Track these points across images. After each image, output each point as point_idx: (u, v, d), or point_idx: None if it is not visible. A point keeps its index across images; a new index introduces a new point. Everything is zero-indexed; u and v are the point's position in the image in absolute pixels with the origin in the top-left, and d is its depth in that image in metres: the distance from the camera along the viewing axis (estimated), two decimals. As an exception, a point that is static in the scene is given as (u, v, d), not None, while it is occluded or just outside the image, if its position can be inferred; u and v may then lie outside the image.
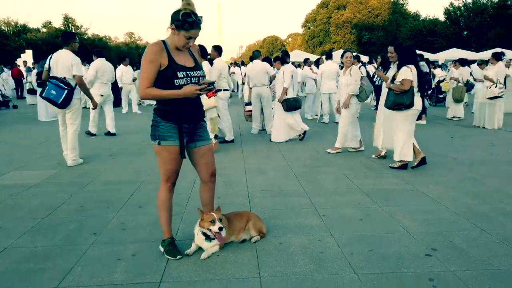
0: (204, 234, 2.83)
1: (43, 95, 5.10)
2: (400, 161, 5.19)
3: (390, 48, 5.59)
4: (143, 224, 3.45)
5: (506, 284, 2.40)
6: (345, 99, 6.06)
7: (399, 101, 4.96)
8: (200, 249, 2.90)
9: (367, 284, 2.42)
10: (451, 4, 44.70)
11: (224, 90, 6.92)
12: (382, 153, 5.79)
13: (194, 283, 2.49)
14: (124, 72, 12.06)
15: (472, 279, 2.46)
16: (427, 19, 52.43)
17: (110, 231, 3.31)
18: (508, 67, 11.31)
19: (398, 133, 5.13)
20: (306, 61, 10.99)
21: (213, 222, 2.75)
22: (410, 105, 4.94)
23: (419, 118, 9.33)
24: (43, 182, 4.79)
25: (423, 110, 9.49)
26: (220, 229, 2.73)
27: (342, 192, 4.30)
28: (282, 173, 5.13)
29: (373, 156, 5.90)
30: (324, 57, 11.69)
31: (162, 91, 2.61)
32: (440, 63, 23.51)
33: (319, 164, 5.59)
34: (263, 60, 8.04)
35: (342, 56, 6.25)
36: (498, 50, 23.77)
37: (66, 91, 5.06)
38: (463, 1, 43.58)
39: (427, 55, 20.07)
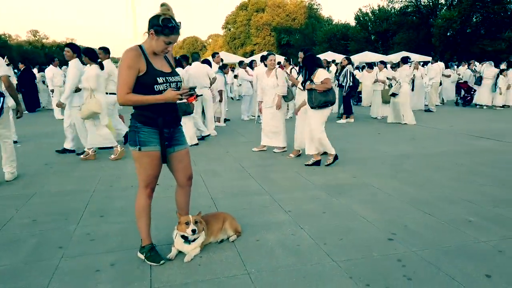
0: (183, 236, 2.86)
1: None
2: (317, 155, 5.62)
3: (300, 54, 5.91)
4: (111, 234, 3.35)
5: (460, 257, 2.80)
6: (277, 101, 6.32)
7: (326, 99, 5.37)
8: (180, 253, 2.91)
9: (347, 270, 2.66)
10: (360, 10, 48.36)
11: (111, 93, 6.75)
12: (300, 152, 6.20)
13: (186, 285, 2.52)
14: (55, 74, 11.19)
15: (432, 257, 2.82)
16: (339, 23, 56.03)
17: (78, 243, 3.17)
18: (417, 69, 12.63)
19: (317, 130, 5.47)
20: (241, 63, 11.20)
21: (187, 224, 2.80)
22: (334, 101, 5.45)
23: (347, 116, 10.09)
24: (-22, 197, 4.35)
25: (350, 109, 10.28)
26: (193, 231, 2.78)
27: (299, 188, 4.55)
28: (237, 174, 5.26)
29: (291, 155, 6.22)
30: (258, 59, 12.03)
31: (143, 97, 2.59)
32: (355, 65, 25.34)
33: (270, 164, 5.80)
34: (203, 62, 8.06)
35: (265, 59, 6.51)
36: (405, 54, 26.32)
37: (1, 98, 4.58)
38: (371, 8, 47.39)
39: (341, 57, 21.51)
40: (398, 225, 3.41)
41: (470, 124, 9.28)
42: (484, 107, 12.60)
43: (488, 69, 12.48)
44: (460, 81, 14.20)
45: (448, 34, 35.52)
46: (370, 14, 47.02)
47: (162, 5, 2.59)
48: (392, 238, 3.15)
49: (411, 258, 2.81)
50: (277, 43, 60.91)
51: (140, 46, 2.65)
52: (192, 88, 2.72)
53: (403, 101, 9.46)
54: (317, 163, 5.60)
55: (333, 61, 15.67)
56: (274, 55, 6.59)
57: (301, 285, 2.49)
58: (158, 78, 2.63)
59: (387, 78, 10.52)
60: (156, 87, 2.62)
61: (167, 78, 2.69)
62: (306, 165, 5.60)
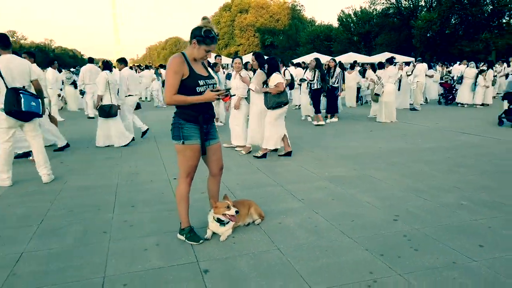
0: (219, 220, 3.26)
1: (23, 109, 4.55)
2: (264, 149, 6.23)
3: (252, 57, 6.44)
4: (145, 221, 3.72)
5: (456, 233, 3.29)
6: (236, 101, 6.75)
7: (280, 100, 5.93)
8: (215, 234, 3.32)
9: (363, 244, 3.12)
10: (343, 11, 49.32)
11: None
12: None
13: (227, 259, 2.93)
14: (59, 78, 11.42)
15: (432, 233, 3.30)
16: (322, 25, 56.95)
17: (119, 229, 3.53)
18: (401, 69, 13.26)
19: (271, 126, 6.10)
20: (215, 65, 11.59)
21: (228, 207, 3.22)
22: (287, 102, 6.06)
23: (332, 116, 10.55)
24: (6, 194, 4.65)
25: (336, 109, 10.72)
26: (237, 212, 3.21)
27: (305, 180, 4.99)
28: (246, 168, 5.67)
29: (243, 152, 6.68)
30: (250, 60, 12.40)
31: (187, 97, 2.99)
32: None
33: (274, 159, 6.23)
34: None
35: (232, 61, 6.93)
36: (388, 54, 27.13)
37: (39, 99, 4.85)
38: (353, 9, 48.39)
39: (326, 58, 22.14)
40: (400, 209, 3.89)
41: (454, 122, 9.91)
42: (465, 106, 13.33)
43: (469, 70, 13.21)
44: (442, 81, 14.92)
45: (428, 35, 36.65)
46: (352, 16, 48.01)
47: (204, 18, 3.00)
48: (397, 219, 3.63)
49: (414, 234, 3.28)
50: (261, 44, 61.44)
51: (182, 53, 3.05)
52: (227, 90, 3.13)
53: (386, 100, 10.03)
54: (264, 156, 6.25)
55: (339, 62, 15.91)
56: (241, 58, 6.96)
57: (325, 257, 2.92)
58: (199, 81, 3.03)
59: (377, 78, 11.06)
60: (198, 89, 3.03)
61: (206, 81, 3.09)
62: (255, 156, 6.26)
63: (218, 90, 3.08)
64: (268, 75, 6.10)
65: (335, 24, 51.65)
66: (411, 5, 41.74)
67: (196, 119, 3.07)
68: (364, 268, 2.75)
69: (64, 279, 2.69)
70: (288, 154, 6.34)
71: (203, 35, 2.96)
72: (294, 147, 6.82)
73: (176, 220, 3.67)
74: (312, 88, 9.68)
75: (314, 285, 2.54)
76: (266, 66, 6.23)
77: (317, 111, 9.87)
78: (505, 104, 9.22)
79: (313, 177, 5.12)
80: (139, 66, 24.60)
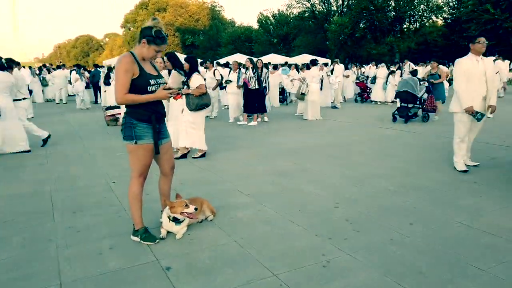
0: (174, 219, 3.29)
1: None
2: (200, 150, 6.26)
3: (165, 58, 6.39)
4: (92, 225, 3.60)
5: (389, 213, 3.69)
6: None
7: (203, 102, 5.86)
8: (169, 233, 3.34)
9: (312, 230, 3.37)
10: (261, 14, 50.67)
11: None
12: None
13: (188, 254, 2.99)
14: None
15: (370, 215, 3.67)
16: (241, 26, 57.90)
17: (65, 235, 3.38)
18: (322, 70, 14.07)
19: (196, 128, 6.07)
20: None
21: (187, 205, 3.26)
22: (209, 104, 6.05)
23: (262, 115, 10.86)
24: None
25: (265, 109, 11.03)
26: (196, 209, 3.27)
27: (251, 175, 5.16)
28: (190, 167, 5.68)
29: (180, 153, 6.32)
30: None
31: (140, 96, 2.99)
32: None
33: (217, 157, 6.32)
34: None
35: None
36: (307, 56, 28.51)
37: None
38: (272, 12, 49.96)
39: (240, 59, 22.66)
40: (340, 196, 4.24)
41: (371, 118, 10.83)
42: (378, 103, 14.59)
43: (381, 70, 14.49)
44: (358, 81, 16.15)
45: (340, 38, 39.19)
46: (271, 18, 49.53)
47: (154, 18, 3.02)
48: (337, 206, 3.96)
49: (354, 218, 3.63)
50: (182, 43, 60.63)
51: (131, 53, 3.03)
52: (179, 88, 3.18)
53: (311, 99, 10.64)
54: (185, 156, 6.24)
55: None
56: (163, 58, 6.60)
57: (279, 245, 3.12)
58: (150, 80, 3.04)
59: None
60: (149, 88, 3.03)
61: (157, 80, 3.11)
62: (193, 157, 6.21)
63: (169, 89, 3.11)
64: (188, 75, 5.95)
65: (255, 25, 52.89)
66: (325, 10, 44.26)
67: (149, 118, 3.07)
68: (317, 251, 3.00)
69: (25, 285, 2.54)
70: (185, 156, 6.26)
71: (153, 35, 2.98)
72: (234, 145, 6.97)
73: (126, 222, 3.64)
74: (251, 88, 9.69)
75: (276, 270, 2.72)
76: (187, 65, 6.02)
77: (249, 110, 9.97)
78: (398, 102, 10.20)
79: (258, 172, 5.32)
80: (45, 66, 22.83)
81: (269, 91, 11.32)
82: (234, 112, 10.56)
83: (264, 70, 10.66)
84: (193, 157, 6.21)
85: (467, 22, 30.99)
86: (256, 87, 9.72)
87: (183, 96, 5.60)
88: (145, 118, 3.06)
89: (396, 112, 9.89)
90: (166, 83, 3.26)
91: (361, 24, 40.26)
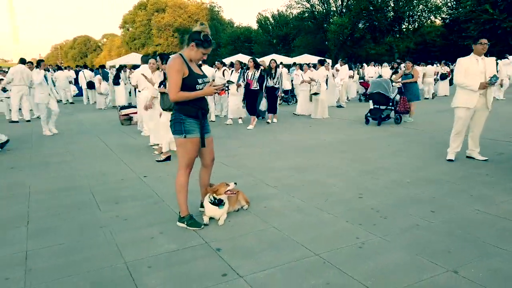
0: (219, 200, 3.56)
1: None
2: (165, 153, 6.18)
3: (153, 60, 6.58)
4: (137, 214, 3.88)
5: (410, 203, 3.99)
6: (148, 101, 6.79)
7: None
8: (211, 219, 3.63)
9: (343, 217, 3.66)
10: (260, 14, 50.99)
11: None
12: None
13: (233, 239, 3.27)
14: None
15: (393, 204, 3.96)
16: (241, 26, 58.18)
17: (114, 223, 3.66)
18: (328, 70, 14.38)
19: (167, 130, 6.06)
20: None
21: (227, 184, 3.59)
22: None
23: (273, 116, 11.08)
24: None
25: (276, 109, 11.23)
26: (235, 183, 3.64)
27: (271, 170, 5.45)
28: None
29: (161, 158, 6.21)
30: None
31: (190, 93, 3.28)
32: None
33: (235, 153, 6.60)
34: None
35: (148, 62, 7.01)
36: (308, 56, 28.80)
37: None
38: (271, 12, 50.29)
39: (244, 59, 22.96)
40: (361, 188, 4.53)
41: (377, 116, 11.13)
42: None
43: (384, 69, 14.81)
44: (362, 80, 16.46)
45: (340, 38, 39.58)
46: (271, 19, 49.86)
47: (201, 24, 3.30)
48: (361, 196, 4.25)
49: (379, 206, 3.92)
50: (181, 44, 60.82)
51: (181, 55, 3.32)
52: (224, 84, 3.47)
53: (321, 98, 10.95)
54: (168, 158, 6.15)
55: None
56: (156, 59, 6.85)
57: (315, 230, 3.41)
58: (198, 79, 3.33)
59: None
60: (197, 86, 3.32)
61: (203, 79, 3.40)
62: (157, 161, 6.10)
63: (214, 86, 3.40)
64: (165, 75, 5.92)
65: (254, 26, 53.20)
66: (324, 10, 44.61)
67: (196, 114, 3.36)
68: (351, 235, 3.29)
69: (85, 269, 2.82)
70: (168, 158, 6.17)
71: (202, 39, 3.27)
72: (247, 143, 7.24)
73: (166, 211, 3.93)
74: (252, 89, 9.53)
75: (317, 251, 3.01)
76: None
77: (252, 113, 9.71)
78: (371, 104, 9.84)
79: (276, 168, 5.61)
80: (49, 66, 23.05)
81: (281, 91, 11.31)
82: (232, 114, 10.16)
83: (278, 70, 10.67)
84: (157, 160, 6.14)
85: (465, 22, 31.41)
86: (257, 88, 9.51)
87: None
88: (193, 114, 3.35)
89: (368, 114, 9.61)
90: (210, 82, 3.55)
91: (360, 25, 40.65)
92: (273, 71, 10.30)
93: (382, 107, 9.46)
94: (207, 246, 3.15)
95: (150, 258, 2.96)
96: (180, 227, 3.52)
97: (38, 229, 3.56)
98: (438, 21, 41.12)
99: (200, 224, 3.50)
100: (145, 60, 8.46)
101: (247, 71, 9.81)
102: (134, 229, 3.52)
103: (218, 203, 3.59)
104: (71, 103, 17.93)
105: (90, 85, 17.12)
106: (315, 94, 10.85)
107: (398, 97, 9.47)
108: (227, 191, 3.58)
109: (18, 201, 4.36)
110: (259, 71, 9.66)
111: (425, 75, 16.32)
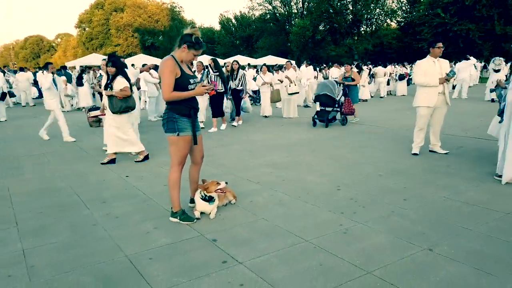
0: (209, 198, 3.73)
1: None
2: (139, 153, 6.23)
3: (105, 61, 6.46)
4: (127, 212, 3.97)
5: (384, 193, 4.33)
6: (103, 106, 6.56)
7: (127, 104, 5.86)
8: (202, 214, 3.79)
9: (324, 208, 3.94)
10: (222, 15, 51.11)
11: None
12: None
13: (226, 230, 3.45)
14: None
15: (369, 195, 4.29)
16: (203, 27, 57.94)
17: (107, 221, 3.74)
18: (295, 71, 14.79)
19: (128, 131, 6.03)
20: (143, 66, 11.62)
21: (218, 183, 3.76)
22: (134, 107, 6.03)
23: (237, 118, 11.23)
24: None
25: (239, 111, 11.27)
26: (226, 182, 3.83)
27: (250, 168, 5.65)
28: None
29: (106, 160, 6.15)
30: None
31: (182, 93, 3.43)
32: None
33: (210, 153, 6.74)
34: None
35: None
36: (271, 57, 29.26)
37: None
38: (234, 13, 50.53)
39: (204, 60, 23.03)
40: (338, 182, 4.84)
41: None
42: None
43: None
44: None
45: (302, 40, 40.46)
46: (233, 20, 50.09)
47: (193, 26, 3.47)
48: (340, 189, 4.56)
49: (357, 197, 4.23)
50: (141, 44, 59.73)
51: (172, 56, 3.46)
52: (213, 85, 3.64)
53: (294, 98, 11.33)
54: (113, 161, 6.11)
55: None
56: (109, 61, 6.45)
57: (302, 220, 3.65)
58: (190, 80, 3.49)
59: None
60: (189, 86, 3.48)
61: (194, 79, 3.56)
62: (102, 163, 6.05)
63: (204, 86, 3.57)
64: (113, 77, 5.90)
65: (217, 27, 53.20)
66: (286, 12, 45.42)
67: (188, 113, 3.52)
68: (335, 222, 3.56)
69: (87, 263, 2.91)
70: (113, 161, 6.12)
71: (193, 41, 3.43)
72: (222, 143, 7.40)
73: (156, 208, 4.05)
74: (217, 90, 8.86)
75: (307, 237, 3.25)
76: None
77: (216, 114, 9.28)
78: (317, 106, 9.68)
79: (254, 165, 5.82)
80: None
81: (247, 94, 11.44)
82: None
83: (241, 71, 10.45)
84: (135, 161, 6.19)
85: (419, 26, 33.09)
86: (221, 90, 9.00)
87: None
88: (185, 112, 3.50)
89: (315, 116, 9.47)
90: (200, 82, 3.72)
91: (321, 27, 41.74)
92: (235, 73, 10.00)
93: (329, 109, 9.37)
94: (203, 237, 3.31)
95: (149, 251, 3.09)
96: (173, 222, 3.66)
97: (29, 229, 3.58)
98: (394, 24, 42.99)
99: (193, 218, 3.66)
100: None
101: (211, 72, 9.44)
102: (128, 225, 3.62)
103: (209, 199, 3.76)
104: (33, 105, 17.28)
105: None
106: (295, 93, 11.17)
107: (343, 98, 9.50)
108: (218, 189, 3.75)
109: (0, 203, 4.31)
110: (215, 72, 9.05)
111: (376, 75, 17.32)
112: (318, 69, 20.45)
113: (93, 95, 14.97)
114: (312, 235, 3.29)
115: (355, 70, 11.18)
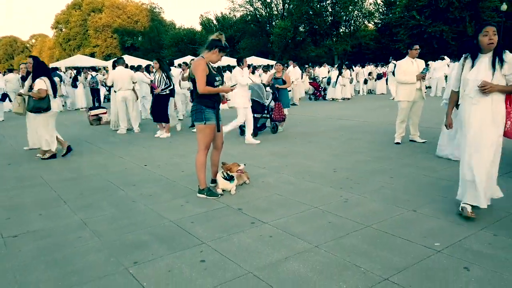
0: (230, 177, 4.43)
1: None
2: (49, 151, 6.58)
3: (29, 59, 6.61)
4: (158, 192, 4.61)
5: (376, 174, 5.11)
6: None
7: (38, 105, 6.18)
8: (223, 191, 4.48)
9: (325, 184, 4.68)
10: (203, 16, 51.59)
11: None
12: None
13: (247, 202, 4.15)
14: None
15: (362, 175, 5.07)
16: (182, 28, 58.20)
17: (143, 199, 4.38)
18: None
19: (42, 130, 6.41)
20: (139, 67, 12.15)
21: (238, 165, 4.46)
22: (48, 108, 6.27)
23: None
24: (-7, 189, 4.86)
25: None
26: (245, 164, 4.52)
27: (255, 157, 6.36)
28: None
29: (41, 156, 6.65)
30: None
31: (213, 88, 4.13)
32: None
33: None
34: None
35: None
36: (254, 58, 29.91)
37: None
38: (215, 15, 51.06)
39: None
40: (334, 165, 5.60)
41: (328, 111, 12.48)
42: (329, 100, 16.42)
43: (333, 72, 16.33)
44: (311, 81, 17.89)
45: (283, 41, 41.39)
46: (214, 21, 50.61)
47: (221, 33, 4.17)
48: (336, 171, 5.32)
49: (352, 177, 5.00)
50: (121, 45, 59.54)
51: (202, 57, 4.14)
52: (234, 85, 4.35)
53: None
54: (54, 156, 6.62)
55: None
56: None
57: (308, 194, 4.38)
58: (216, 77, 4.18)
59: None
60: (215, 83, 4.17)
61: (219, 77, 4.25)
62: (42, 158, 6.55)
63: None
64: (34, 78, 6.23)
65: (198, 28, 53.57)
66: (267, 14, 46.28)
67: (213, 105, 4.21)
68: (336, 195, 4.32)
69: (141, 227, 3.56)
70: (69, 150, 6.76)
71: (223, 46, 4.14)
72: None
73: (182, 188, 4.72)
74: (160, 93, 8.29)
75: (315, 205, 3.99)
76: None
77: (157, 119, 8.51)
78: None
79: (258, 155, 6.53)
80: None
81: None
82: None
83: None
84: (41, 158, 6.58)
85: (396, 27, 34.47)
86: (167, 92, 8.35)
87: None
88: (211, 105, 4.19)
89: (243, 125, 7.87)
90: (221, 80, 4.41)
91: (301, 28, 42.79)
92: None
93: (257, 115, 8.26)
94: (230, 208, 4.01)
95: (189, 217, 3.77)
96: (201, 197, 4.33)
97: (78, 206, 4.19)
98: (371, 26, 44.45)
99: (217, 194, 4.35)
100: (122, 62, 8.98)
101: (155, 73, 8.60)
102: (163, 201, 4.27)
103: (229, 178, 4.45)
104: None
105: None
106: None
107: (273, 103, 8.42)
108: (238, 170, 4.45)
109: (39, 189, 4.88)
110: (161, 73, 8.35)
111: (358, 75, 18.48)
112: (303, 70, 21.34)
113: (92, 94, 15.27)
114: (319, 204, 4.03)
115: (294, 69, 10.15)
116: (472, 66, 3.51)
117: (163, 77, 8.24)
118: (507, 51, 3.44)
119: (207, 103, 4.18)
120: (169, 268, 2.81)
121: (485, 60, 3.46)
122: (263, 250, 3.05)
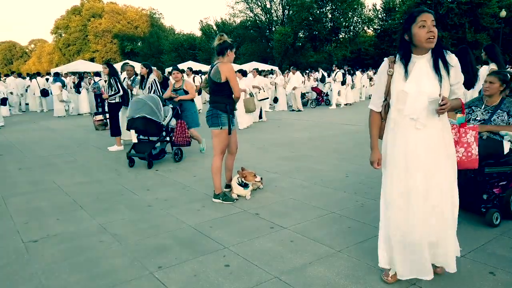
0: (245, 184, 4.45)
1: None
2: None
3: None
4: (174, 196, 4.63)
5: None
6: None
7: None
8: (238, 196, 4.49)
9: (340, 189, 4.71)
10: (202, 22, 51.78)
11: None
12: None
13: (263, 207, 4.17)
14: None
15: (373, 180, 5.10)
16: (182, 33, 58.38)
17: (158, 203, 4.40)
18: (277, 76, 15.73)
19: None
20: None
21: (255, 176, 4.46)
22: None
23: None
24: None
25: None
26: (261, 178, 4.49)
27: (265, 161, 6.38)
28: (206, 163, 6.76)
29: None
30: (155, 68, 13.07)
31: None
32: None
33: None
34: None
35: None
36: (255, 64, 30.01)
37: None
38: (215, 20, 51.25)
39: (194, 66, 23.92)
40: (345, 170, 5.63)
41: (331, 117, 12.53)
42: (331, 105, 16.48)
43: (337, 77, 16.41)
44: (314, 86, 17.96)
45: (283, 47, 41.56)
46: (214, 27, 50.78)
47: (221, 34, 4.26)
48: (348, 176, 5.34)
49: (365, 181, 5.03)
50: (121, 51, 59.69)
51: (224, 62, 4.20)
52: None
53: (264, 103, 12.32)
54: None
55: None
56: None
57: (323, 198, 4.40)
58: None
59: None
60: (231, 89, 4.22)
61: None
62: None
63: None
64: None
65: (198, 33, 53.74)
66: (267, 20, 46.51)
67: (231, 111, 4.24)
68: (351, 199, 4.34)
69: (161, 231, 3.57)
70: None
71: (233, 46, 4.21)
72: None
73: (197, 193, 4.73)
74: (109, 101, 7.59)
75: (331, 210, 4.01)
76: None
77: (116, 133, 7.64)
78: (133, 136, 6.73)
79: (268, 159, 6.56)
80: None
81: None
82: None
83: (151, 77, 7.43)
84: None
85: (395, 33, 34.67)
86: (117, 100, 7.53)
87: None
88: (226, 110, 4.22)
89: (132, 152, 6.20)
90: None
91: (301, 34, 43.00)
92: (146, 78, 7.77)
93: (153, 139, 6.44)
94: (247, 212, 4.02)
95: (207, 221, 3.78)
96: (216, 202, 4.35)
97: (95, 210, 4.20)
98: (370, 32, 44.69)
99: (233, 199, 4.37)
100: (126, 68, 9.00)
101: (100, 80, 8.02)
102: (179, 206, 4.29)
103: (244, 185, 4.47)
104: (23, 111, 17.50)
105: (44, 93, 16.84)
106: (264, 99, 12.01)
107: (174, 122, 6.61)
108: (255, 181, 4.49)
109: (53, 193, 4.89)
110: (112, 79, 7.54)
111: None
112: (306, 75, 21.40)
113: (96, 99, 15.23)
114: (335, 208, 4.05)
115: (189, 80, 8.57)
116: (406, 73, 2.40)
117: (111, 83, 7.46)
118: (448, 51, 2.43)
119: (224, 108, 4.22)
120: (194, 272, 2.82)
121: (422, 63, 2.39)
122: (285, 254, 3.07)
